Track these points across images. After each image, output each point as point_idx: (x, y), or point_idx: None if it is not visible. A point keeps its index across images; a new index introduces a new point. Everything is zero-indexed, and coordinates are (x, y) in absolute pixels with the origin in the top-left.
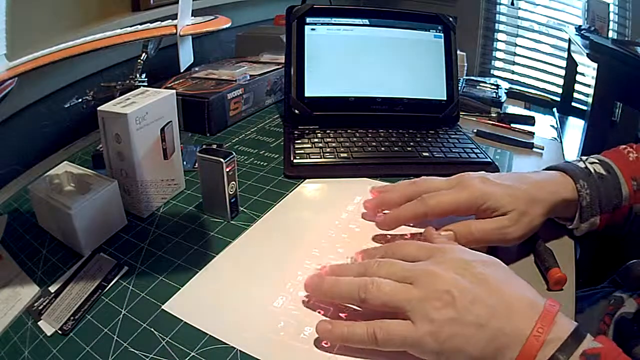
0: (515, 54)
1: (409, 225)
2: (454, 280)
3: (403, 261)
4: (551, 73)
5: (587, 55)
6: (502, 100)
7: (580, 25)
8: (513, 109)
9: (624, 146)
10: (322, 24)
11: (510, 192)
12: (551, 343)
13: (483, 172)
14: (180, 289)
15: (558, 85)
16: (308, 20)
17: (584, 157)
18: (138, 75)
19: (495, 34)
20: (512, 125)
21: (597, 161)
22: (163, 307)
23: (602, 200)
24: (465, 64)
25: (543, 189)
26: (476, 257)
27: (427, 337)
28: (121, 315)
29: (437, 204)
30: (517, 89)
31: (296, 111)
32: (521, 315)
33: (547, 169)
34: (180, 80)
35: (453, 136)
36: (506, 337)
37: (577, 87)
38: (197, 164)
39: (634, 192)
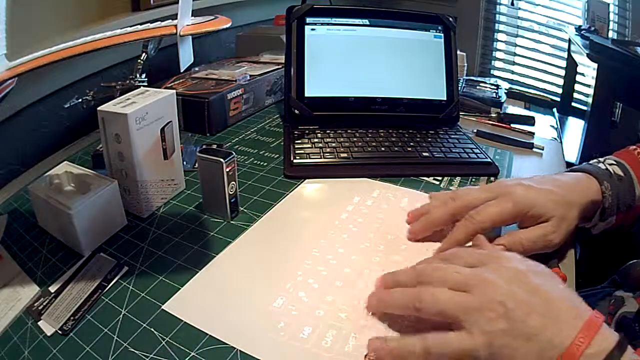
0: (515, 54)
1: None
2: (509, 291)
3: (459, 266)
4: (551, 73)
5: (587, 55)
6: (502, 100)
7: (580, 26)
8: (513, 109)
9: (633, 147)
10: (322, 24)
11: (551, 197)
12: (596, 356)
13: (515, 177)
14: (180, 289)
15: (558, 85)
16: (308, 20)
17: (601, 158)
18: (138, 75)
19: (495, 34)
20: (512, 125)
21: (614, 162)
22: (163, 307)
23: (620, 201)
24: (465, 64)
25: (576, 191)
26: (530, 266)
27: (480, 348)
28: (121, 315)
29: (487, 219)
30: (517, 89)
31: (296, 111)
32: (567, 325)
33: (571, 170)
34: (180, 80)
35: (453, 136)
36: (553, 348)
37: (577, 87)
38: (197, 164)
39: None
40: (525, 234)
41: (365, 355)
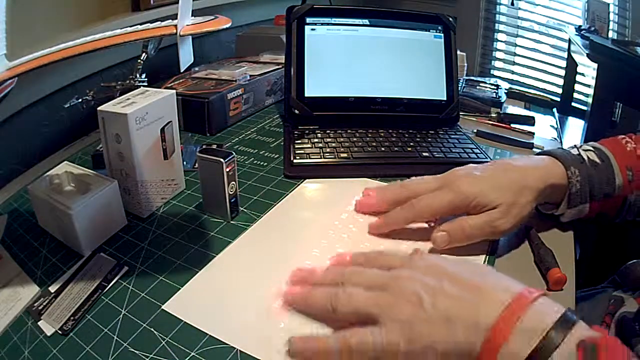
0: (515, 54)
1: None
2: (421, 281)
3: (376, 269)
4: (551, 73)
5: (587, 55)
6: (502, 101)
7: (580, 26)
8: (513, 109)
9: (622, 136)
10: (322, 24)
11: (496, 184)
12: (532, 332)
13: (470, 165)
14: (180, 289)
15: (558, 85)
16: (308, 20)
17: (578, 145)
18: (138, 75)
19: (495, 34)
20: (512, 125)
21: (592, 149)
22: (163, 307)
23: (594, 188)
24: (465, 64)
25: (531, 175)
26: (450, 260)
27: (398, 339)
28: (121, 315)
29: (424, 208)
30: (517, 89)
31: (296, 111)
32: (492, 303)
33: (539, 153)
34: (180, 80)
35: (453, 136)
36: (479, 328)
37: (577, 87)
38: (197, 164)
39: (629, 183)
40: (469, 220)
41: (288, 351)
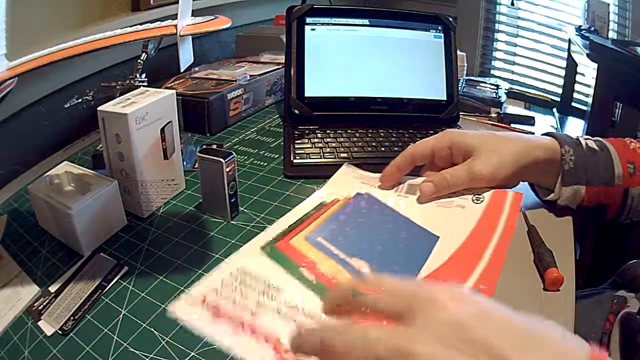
0: (515, 54)
1: None
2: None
3: (372, 328)
4: (551, 73)
5: (587, 55)
6: (502, 101)
7: (580, 26)
8: (513, 109)
9: (627, 138)
10: (322, 24)
11: (483, 137)
12: None
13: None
14: (180, 288)
15: (558, 85)
16: (308, 20)
17: (580, 135)
18: (138, 75)
19: (495, 34)
20: (512, 125)
21: (592, 139)
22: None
23: (589, 171)
24: (465, 64)
25: (522, 139)
26: (474, 309)
27: None
28: (121, 315)
29: (410, 149)
30: (517, 89)
31: (296, 111)
32: None
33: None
34: (180, 80)
35: None
36: None
37: (577, 87)
38: (197, 164)
39: (630, 176)
40: (449, 170)
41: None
